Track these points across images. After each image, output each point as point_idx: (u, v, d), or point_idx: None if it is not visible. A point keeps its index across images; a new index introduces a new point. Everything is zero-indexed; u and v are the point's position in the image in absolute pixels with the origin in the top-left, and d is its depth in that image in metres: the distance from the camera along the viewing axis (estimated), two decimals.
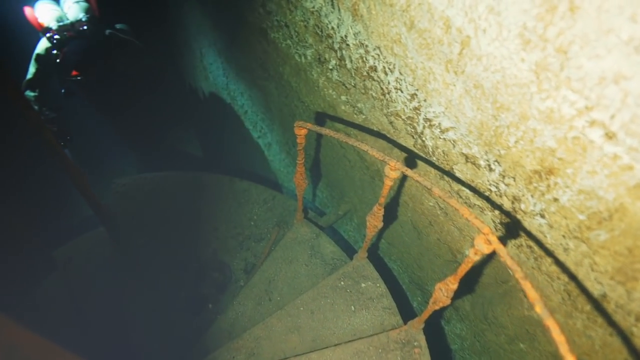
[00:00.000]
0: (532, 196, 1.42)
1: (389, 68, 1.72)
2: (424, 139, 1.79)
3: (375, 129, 2.13)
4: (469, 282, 2.08)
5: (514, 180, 1.45)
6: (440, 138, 1.69)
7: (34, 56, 3.58)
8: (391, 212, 2.47)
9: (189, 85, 5.08)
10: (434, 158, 1.81)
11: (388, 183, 1.60)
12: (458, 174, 1.73)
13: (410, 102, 1.72)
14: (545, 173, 1.30)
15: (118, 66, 3.85)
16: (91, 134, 4.63)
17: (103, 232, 2.89)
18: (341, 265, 2.54)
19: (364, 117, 2.15)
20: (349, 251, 2.79)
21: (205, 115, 5.09)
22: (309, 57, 2.31)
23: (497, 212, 1.65)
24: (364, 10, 1.66)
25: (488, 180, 1.58)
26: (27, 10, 3.62)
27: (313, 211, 3.12)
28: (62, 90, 3.63)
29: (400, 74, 1.67)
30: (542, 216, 1.43)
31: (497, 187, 1.55)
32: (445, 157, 1.73)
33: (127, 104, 4.17)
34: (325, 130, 1.73)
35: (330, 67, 2.16)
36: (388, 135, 2.05)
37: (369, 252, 2.49)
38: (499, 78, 1.24)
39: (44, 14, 3.52)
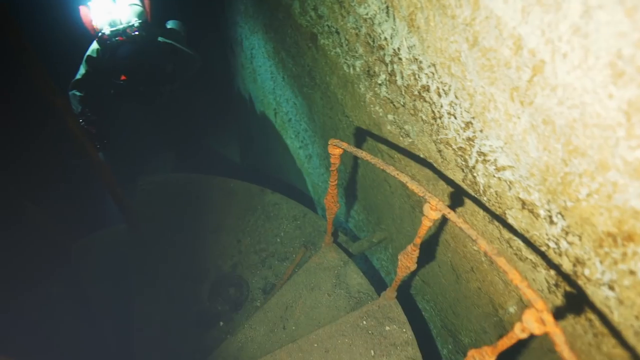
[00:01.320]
0: (600, 262, 1.18)
1: (443, 89, 1.52)
2: (475, 174, 1.58)
3: (421, 156, 1.93)
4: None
5: (580, 240, 1.22)
6: (494, 176, 1.47)
7: (85, 57, 3.68)
8: (429, 248, 2.24)
9: (237, 86, 5.03)
10: (485, 198, 1.58)
11: (426, 223, 1.40)
12: (511, 221, 1.50)
13: (464, 131, 1.51)
14: (623, 238, 1.06)
15: (167, 73, 3.90)
16: (131, 134, 4.69)
17: (123, 229, 2.83)
18: (367, 300, 2.33)
19: (410, 140, 1.96)
20: (379, 284, 2.58)
21: (248, 119, 5.03)
22: (357, 69, 2.15)
23: (553, 272, 1.41)
24: (421, 20, 1.47)
25: (547, 234, 1.34)
26: (83, 10, 3.72)
27: (345, 234, 2.93)
28: (112, 92, 3.71)
29: (456, 97, 1.47)
30: (611, 288, 1.18)
31: (557, 244, 1.32)
32: (498, 199, 1.50)
33: (171, 106, 4.21)
34: (361, 153, 1.55)
35: (380, 81, 1.98)
36: (435, 165, 1.84)
37: (400, 287, 2.28)
38: (577, 115, 1.03)
39: (97, 17, 3.60)
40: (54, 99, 1.89)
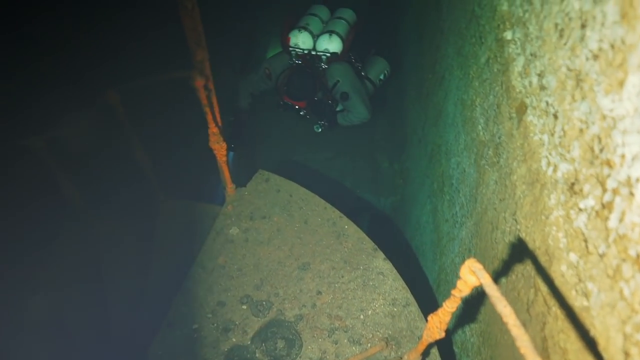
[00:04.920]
0: None
1: None
2: None
3: (591, 333, 1.30)
4: None
5: None
6: None
7: (263, 62, 3.98)
8: None
9: (415, 128, 4.62)
10: None
11: None
12: None
13: None
14: None
15: (329, 113, 4.10)
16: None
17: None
18: None
19: (586, 306, 1.34)
20: None
21: (408, 160, 4.64)
22: (559, 173, 1.59)
23: None
24: None
25: None
26: (289, 18, 3.96)
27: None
28: (281, 103, 3.97)
29: None
30: None
31: None
32: None
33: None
34: (500, 302, 1.02)
35: (582, 206, 1.41)
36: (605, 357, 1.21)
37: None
38: None
39: (297, 34, 3.79)
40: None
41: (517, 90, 2.02)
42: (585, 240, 1.38)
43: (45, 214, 2.61)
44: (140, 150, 2.65)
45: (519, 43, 2.02)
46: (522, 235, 1.92)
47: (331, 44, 3.75)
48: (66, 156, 2.53)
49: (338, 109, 4.13)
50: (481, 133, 2.56)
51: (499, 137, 2.25)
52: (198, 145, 2.94)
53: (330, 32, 3.78)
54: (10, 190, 2.42)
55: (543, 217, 1.71)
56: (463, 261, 2.73)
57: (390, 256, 2.67)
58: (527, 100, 1.91)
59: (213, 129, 2.29)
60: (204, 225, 2.93)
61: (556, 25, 1.63)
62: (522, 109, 1.99)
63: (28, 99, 2.48)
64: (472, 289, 1.29)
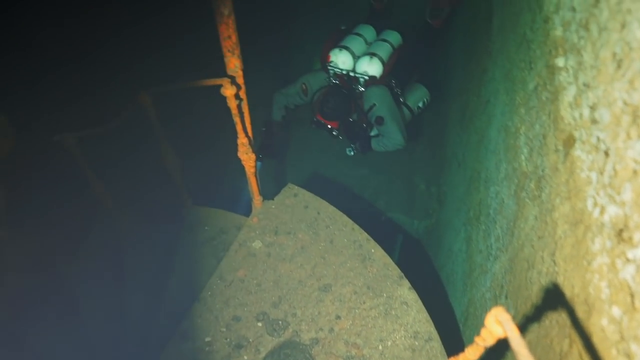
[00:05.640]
0: None
1: None
2: None
3: None
4: None
5: None
6: None
7: (301, 78, 3.94)
8: None
9: (455, 152, 4.49)
10: None
11: None
12: None
13: None
14: None
15: (363, 136, 4.05)
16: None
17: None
18: None
19: None
20: None
21: (445, 183, 4.52)
22: (606, 217, 1.46)
23: None
24: None
25: None
26: (335, 35, 3.96)
27: None
28: (314, 120, 3.91)
29: None
30: None
31: None
32: None
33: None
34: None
35: (631, 256, 1.28)
36: None
37: None
38: None
39: (337, 54, 3.75)
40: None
41: (566, 121, 1.89)
42: (632, 295, 1.25)
43: (74, 210, 2.66)
44: (170, 155, 2.64)
45: (571, 71, 1.89)
46: (560, 279, 1.78)
47: (371, 67, 3.68)
48: (97, 155, 2.56)
49: (372, 133, 4.05)
50: (524, 163, 2.43)
51: (543, 170, 2.12)
52: (226, 153, 2.93)
53: (372, 55, 3.71)
54: (44, 184, 2.48)
55: (585, 263, 1.57)
56: (494, 297, 2.61)
57: (418, 282, 2.56)
58: (576, 134, 1.78)
59: (242, 139, 2.25)
60: (227, 236, 2.90)
61: (614, 54, 1.51)
62: (570, 142, 1.86)
63: (66, 97, 2.54)
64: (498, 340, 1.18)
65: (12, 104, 2.30)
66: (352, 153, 4.18)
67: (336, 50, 3.74)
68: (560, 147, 1.92)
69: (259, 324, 2.36)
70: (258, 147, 2.41)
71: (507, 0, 3.12)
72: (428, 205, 5.12)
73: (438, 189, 5.01)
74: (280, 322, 2.35)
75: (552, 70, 2.09)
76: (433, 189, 5.14)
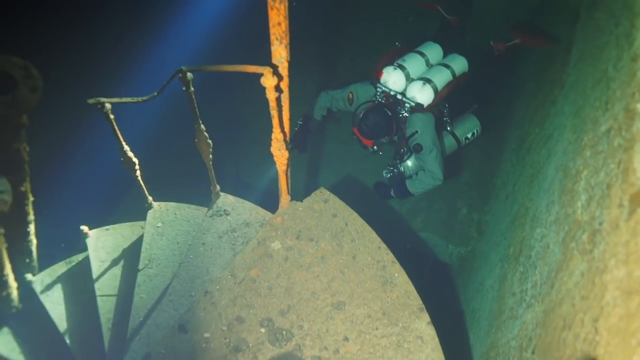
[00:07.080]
0: None
1: None
2: None
3: None
4: None
5: None
6: None
7: (351, 86, 3.91)
8: None
9: (505, 182, 4.27)
10: None
11: None
12: None
13: None
14: None
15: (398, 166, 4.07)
16: None
17: None
18: None
19: None
20: None
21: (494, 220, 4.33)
22: None
23: None
24: None
25: None
26: (393, 52, 4.05)
27: None
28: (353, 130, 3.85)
29: None
30: None
31: None
32: None
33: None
34: None
35: None
36: None
37: None
38: None
39: (390, 72, 3.63)
40: None
41: (638, 175, 1.68)
42: None
43: None
44: (203, 137, 2.57)
45: None
46: (600, 351, 1.59)
47: (421, 94, 3.50)
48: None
49: (406, 159, 3.95)
50: (579, 211, 2.22)
51: (600, 224, 1.91)
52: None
53: (426, 81, 3.52)
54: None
55: (634, 342, 1.38)
56: (519, 347, 2.43)
57: (439, 310, 2.39)
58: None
59: (277, 134, 2.14)
60: (249, 230, 2.81)
61: None
62: (638, 199, 1.65)
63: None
64: None
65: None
66: (388, 175, 4.12)
67: (390, 68, 3.57)
68: (626, 203, 1.71)
69: (262, 330, 2.26)
70: (290, 137, 2.31)
71: (592, 31, 2.89)
72: (467, 232, 4.91)
73: (480, 218, 4.79)
74: (284, 332, 2.24)
75: (632, 115, 1.88)
76: (475, 216, 4.92)
